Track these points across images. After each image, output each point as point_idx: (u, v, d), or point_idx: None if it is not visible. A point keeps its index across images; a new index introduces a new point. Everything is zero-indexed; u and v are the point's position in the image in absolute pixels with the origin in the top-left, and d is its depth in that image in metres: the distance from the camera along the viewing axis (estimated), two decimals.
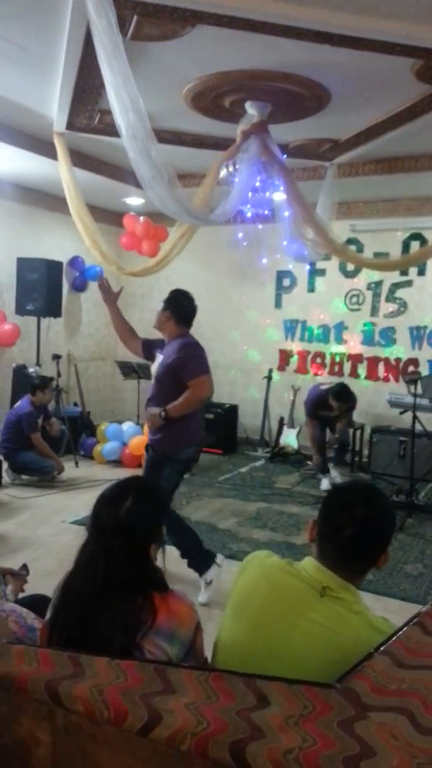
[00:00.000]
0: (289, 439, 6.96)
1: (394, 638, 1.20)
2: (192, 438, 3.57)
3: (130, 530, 1.51)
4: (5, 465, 5.58)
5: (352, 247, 6.71)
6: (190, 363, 3.39)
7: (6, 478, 5.55)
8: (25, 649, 1.13)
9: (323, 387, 6.03)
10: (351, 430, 6.39)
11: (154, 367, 3.59)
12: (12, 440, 5.56)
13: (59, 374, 6.68)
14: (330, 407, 5.83)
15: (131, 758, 0.93)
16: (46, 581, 3.48)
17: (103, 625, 1.40)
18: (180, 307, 3.53)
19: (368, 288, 6.93)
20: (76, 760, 0.98)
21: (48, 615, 1.54)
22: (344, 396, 5.80)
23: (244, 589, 1.56)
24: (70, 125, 4.58)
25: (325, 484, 5.91)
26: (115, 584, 1.46)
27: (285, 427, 7.07)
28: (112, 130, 3.88)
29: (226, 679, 1.03)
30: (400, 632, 1.23)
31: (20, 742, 1.02)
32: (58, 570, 3.69)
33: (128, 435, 6.45)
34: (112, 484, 1.65)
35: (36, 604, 2.00)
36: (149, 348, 3.74)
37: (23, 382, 6.30)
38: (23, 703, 1.02)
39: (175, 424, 3.39)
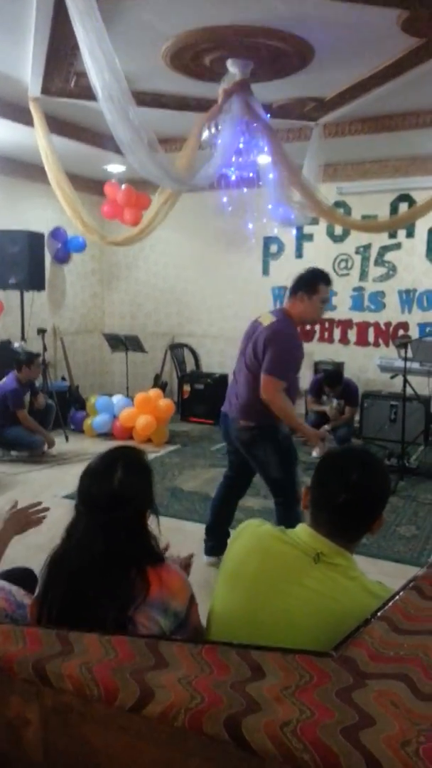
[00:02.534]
0: None
1: (390, 603, 1.17)
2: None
3: (128, 501, 1.48)
4: None
5: (340, 210, 6.61)
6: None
7: None
8: (11, 628, 1.09)
9: (318, 376, 6.13)
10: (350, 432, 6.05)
11: None
12: None
13: (45, 348, 6.58)
14: (325, 389, 5.89)
15: (124, 736, 0.90)
16: (38, 555, 3.46)
17: (96, 600, 1.37)
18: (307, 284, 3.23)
19: (357, 252, 6.84)
20: (66, 739, 0.95)
21: (37, 591, 1.51)
22: (333, 379, 5.86)
23: (238, 558, 1.53)
24: (46, 90, 4.41)
25: (316, 451, 5.90)
26: (112, 559, 1.42)
27: None
28: (89, 94, 3.73)
29: (220, 651, 1.01)
30: (397, 597, 1.21)
31: (9, 724, 0.99)
32: (49, 545, 3.67)
33: (118, 407, 6.40)
34: (96, 458, 1.60)
35: (19, 577, 1.96)
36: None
37: (8, 357, 6.20)
38: (11, 684, 0.99)
39: None
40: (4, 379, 5.65)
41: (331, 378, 5.93)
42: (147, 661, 0.97)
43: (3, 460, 5.51)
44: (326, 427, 5.78)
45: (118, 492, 1.48)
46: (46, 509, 2.06)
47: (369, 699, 0.88)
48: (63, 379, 7.27)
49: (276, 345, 3.10)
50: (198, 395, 7.16)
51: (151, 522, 1.61)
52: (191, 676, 0.93)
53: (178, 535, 3.63)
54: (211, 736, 0.84)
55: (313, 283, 3.20)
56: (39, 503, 2.13)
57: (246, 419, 3.22)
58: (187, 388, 7.29)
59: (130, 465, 1.56)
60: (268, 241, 7.24)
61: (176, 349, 7.83)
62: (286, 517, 3.10)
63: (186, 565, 1.90)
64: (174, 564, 1.59)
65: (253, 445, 3.26)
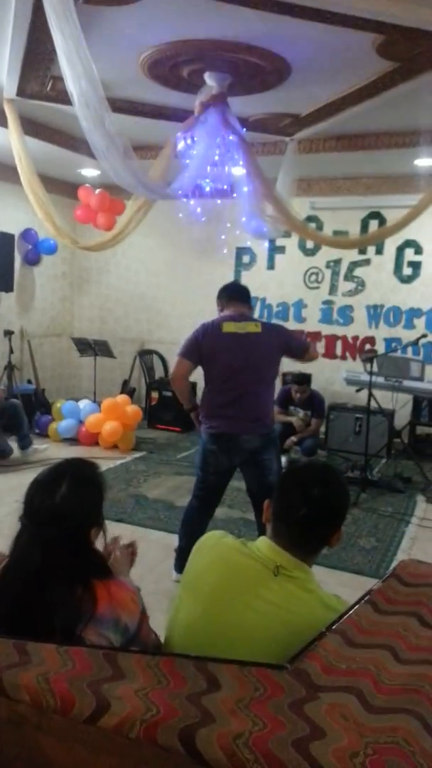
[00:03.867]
0: None
1: (345, 617, 1.20)
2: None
3: (67, 518, 1.44)
4: None
5: (312, 225, 6.71)
6: None
7: None
8: None
9: (286, 387, 6.18)
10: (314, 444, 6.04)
11: None
12: None
13: (12, 351, 6.52)
14: (293, 400, 5.92)
15: (79, 747, 0.91)
16: None
17: (41, 617, 1.34)
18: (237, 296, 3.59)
19: (327, 266, 6.95)
20: (21, 750, 0.95)
21: None
22: (301, 378, 5.93)
23: (199, 570, 1.55)
24: (21, 91, 4.39)
25: (282, 461, 5.96)
26: (53, 574, 1.39)
27: None
28: (64, 98, 3.73)
29: (177, 663, 1.02)
30: (351, 611, 1.24)
31: None
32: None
33: (85, 413, 6.36)
34: (45, 469, 1.56)
35: None
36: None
37: None
38: None
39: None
40: None
41: (299, 378, 5.94)
42: (104, 673, 0.97)
43: None
44: (293, 438, 5.84)
45: (59, 508, 1.45)
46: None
47: (320, 711, 0.90)
48: (29, 382, 7.20)
49: (291, 332, 3.68)
50: (166, 402, 7.16)
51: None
52: (148, 688, 0.94)
53: (143, 543, 3.57)
54: (165, 747, 0.85)
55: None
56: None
57: (268, 426, 3.35)
58: (155, 394, 7.28)
59: (77, 480, 1.52)
60: (240, 251, 7.30)
61: (145, 355, 7.82)
62: None
63: (131, 552, 1.88)
64: (125, 578, 1.58)
65: (265, 450, 3.33)
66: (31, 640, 1.06)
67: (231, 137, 4.21)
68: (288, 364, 7.00)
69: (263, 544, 1.50)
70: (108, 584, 1.43)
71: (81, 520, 1.48)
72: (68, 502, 1.46)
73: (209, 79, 3.99)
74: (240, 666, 1.02)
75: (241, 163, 4.45)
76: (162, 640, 1.58)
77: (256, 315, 7.35)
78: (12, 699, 0.95)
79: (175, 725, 0.87)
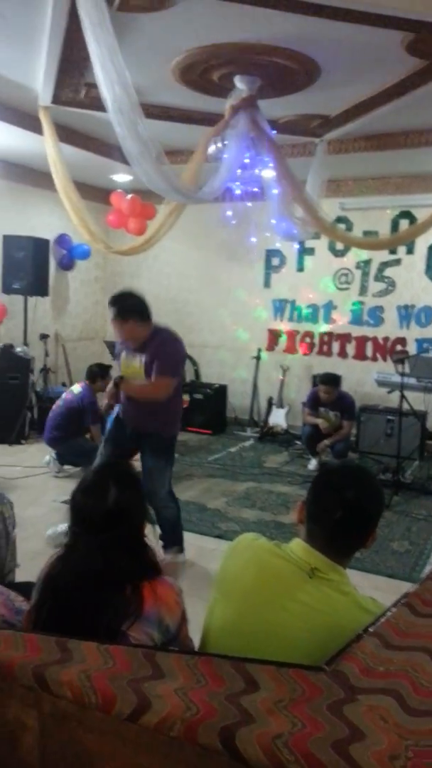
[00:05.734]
0: (278, 419, 6.98)
1: (382, 619, 1.20)
2: (177, 422, 3.68)
3: (123, 519, 1.47)
4: (52, 454, 5.36)
5: (342, 226, 6.67)
6: (164, 360, 3.38)
7: (53, 467, 5.34)
8: (12, 634, 1.12)
9: (316, 388, 6.08)
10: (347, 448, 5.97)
11: (136, 365, 3.47)
12: (63, 428, 5.25)
13: (47, 354, 6.63)
14: (321, 401, 5.85)
15: (120, 744, 0.92)
16: (35, 561, 3.48)
17: (90, 616, 1.37)
18: (140, 311, 3.43)
19: (357, 267, 6.90)
20: (64, 746, 0.97)
21: (33, 600, 1.52)
22: (325, 377, 5.85)
23: (233, 573, 1.55)
24: (56, 99, 4.47)
25: (313, 464, 5.94)
26: (111, 577, 1.41)
27: (274, 407, 7.08)
28: (98, 104, 3.78)
29: (215, 663, 1.03)
30: (389, 613, 1.23)
31: (8, 729, 1.01)
32: (47, 550, 3.70)
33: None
34: (87, 476, 1.59)
35: (23, 590, 1.97)
36: (113, 350, 3.79)
37: (10, 361, 6.25)
38: (10, 688, 1.02)
39: (171, 409, 3.51)
40: (79, 391, 5.39)
41: (326, 378, 5.84)
42: (144, 671, 0.99)
43: (1, 465, 5.52)
44: (326, 441, 5.79)
45: (114, 510, 1.47)
46: None
47: (359, 713, 0.90)
48: (63, 384, 7.30)
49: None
50: (197, 405, 7.19)
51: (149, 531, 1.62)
52: (187, 687, 0.96)
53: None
54: (205, 746, 0.86)
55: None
56: None
57: None
58: (186, 397, 7.31)
59: (123, 481, 1.55)
60: (270, 253, 7.30)
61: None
62: None
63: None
64: (169, 578, 1.60)
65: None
66: (74, 638, 1.08)
67: (261, 140, 4.22)
68: (318, 366, 7.00)
69: (298, 546, 1.50)
70: (154, 584, 1.45)
71: (135, 518, 1.52)
72: (120, 504, 1.49)
73: (239, 82, 4.00)
74: (277, 667, 1.02)
75: (271, 165, 4.46)
76: (197, 641, 1.59)
77: (286, 318, 7.36)
78: (55, 695, 0.97)
79: (215, 725, 0.88)
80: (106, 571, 1.42)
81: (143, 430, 3.50)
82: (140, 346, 3.44)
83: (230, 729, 0.87)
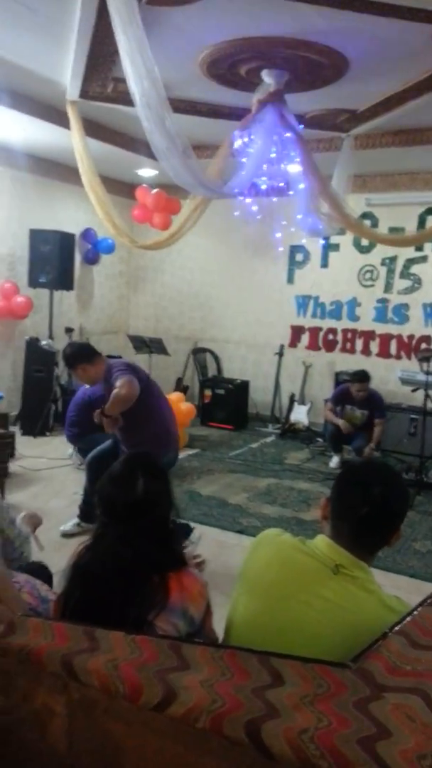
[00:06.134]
0: (300, 415, 6.95)
1: (408, 618, 1.19)
2: (169, 443, 3.71)
3: (152, 508, 1.50)
4: (71, 449, 5.40)
5: (367, 222, 6.61)
6: (114, 371, 3.55)
7: (75, 460, 5.40)
8: (41, 622, 1.13)
9: (343, 385, 5.99)
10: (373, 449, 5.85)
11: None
12: (77, 424, 5.20)
13: None
14: (351, 398, 5.78)
15: (147, 733, 0.93)
16: (59, 551, 3.53)
17: (118, 605, 1.39)
18: (82, 355, 3.66)
19: (382, 264, 6.84)
20: (91, 733, 0.99)
21: (61, 589, 1.54)
22: (360, 374, 5.74)
23: (257, 567, 1.56)
24: (84, 93, 4.49)
25: (334, 461, 5.91)
26: (139, 566, 1.44)
27: (296, 404, 7.06)
28: (126, 99, 3.80)
29: (240, 656, 1.03)
30: (415, 612, 1.22)
31: (36, 714, 1.03)
32: (70, 542, 3.75)
33: None
34: (114, 466, 1.62)
35: (36, 571, 2.00)
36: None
37: (36, 354, 6.31)
38: (39, 675, 1.03)
39: (143, 432, 3.54)
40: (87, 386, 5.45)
41: (360, 375, 5.71)
42: (170, 662, 1.00)
43: (26, 456, 5.58)
44: (371, 445, 5.68)
45: (142, 499, 1.50)
46: None
47: (385, 711, 0.90)
48: None
49: None
50: (219, 400, 7.20)
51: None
52: (212, 680, 0.96)
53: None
54: (231, 738, 0.87)
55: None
56: None
57: None
58: (208, 392, 7.33)
59: (150, 472, 1.57)
60: (294, 249, 7.26)
61: (199, 353, 7.88)
62: None
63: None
64: (194, 569, 1.62)
65: None
66: (101, 627, 1.09)
67: (288, 134, 4.19)
68: (341, 363, 6.96)
69: (322, 542, 1.50)
70: (180, 575, 1.47)
71: (162, 508, 1.55)
72: (149, 494, 1.52)
73: (267, 76, 3.98)
74: (303, 662, 1.02)
75: (297, 160, 4.43)
76: (220, 634, 1.60)
77: (309, 314, 7.32)
78: (82, 683, 0.98)
79: (240, 717, 0.88)
80: (134, 560, 1.44)
81: None
82: (104, 383, 3.61)
83: (256, 722, 0.87)
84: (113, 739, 0.96)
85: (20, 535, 2.03)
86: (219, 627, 1.61)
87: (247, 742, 0.86)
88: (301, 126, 4.49)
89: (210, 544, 3.86)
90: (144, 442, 3.42)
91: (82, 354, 3.67)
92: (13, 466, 5.14)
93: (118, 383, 3.41)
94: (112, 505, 1.52)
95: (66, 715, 0.99)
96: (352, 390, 5.73)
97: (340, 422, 5.76)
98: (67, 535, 3.86)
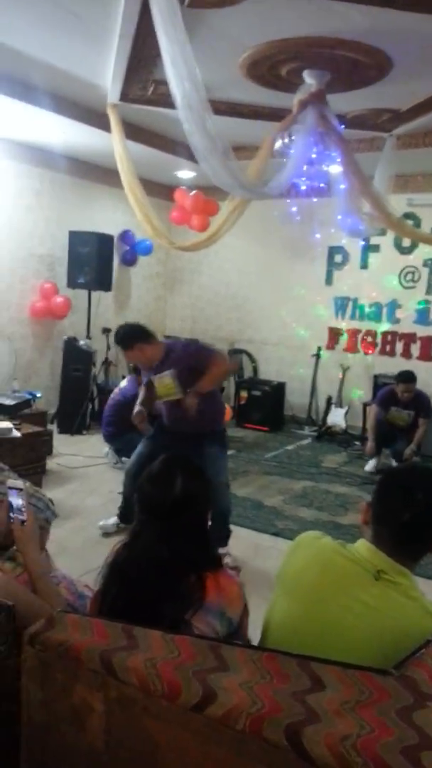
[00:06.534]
0: (337, 418, 6.88)
1: None
2: (223, 414, 3.89)
3: (190, 506, 1.50)
4: (107, 447, 5.46)
5: (409, 222, 6.49)
6: (197, 352, 3.58)
7: (111, 459, 5.45)
8: (79, 618, 1.14)
9: (388, 387, 5.87)
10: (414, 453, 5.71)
11: (167, 381, 3.52)
12: (114, 424, 5.28)
13: (109, 348, 6.75)
14: (397, 400, 5.67)
15: (185, 733, 0.93)
16: (96, 549, 3.56)
17: (155, 603, 1.40)
18: (141, 334, 3.60)
19: (424, 265, 6.71)
20: (129, 731, 0.98)
21: (98, 586, 1.55)
22: (405, 375, 5.62)
23: (296, 569, 1.54)
24: (124, 96, 4.53)
25: (371, 465, 5.82)
26: (176, 564, 1.45)
27: (333, 407, 6.98)
28: (166, 101, 3.82)
29: (280, 660, 1.02)
30: None
31: (74, 710, 1.03)
32: (105, 540, 3.78)
33: None
34: (154, 465, 1.64)
35: None
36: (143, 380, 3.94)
37: (74, 353, 6.40)
38: (77, 671, 1.04)
39: (214, 406, 3.63)
40: (125, 384, 5.44)
41: (407, 376, 5.59)
42: (209, 663, 0.99)
43: (63, 454, 5.66)
44: (412, 447, 5.59)
45: (180, 498, 1.51)
46: None
47: (430, 720, 0.88)
48: (123, 377, 7.42)
49: None
50: (255, 402, 7.18)
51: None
52: (252, 682, 0.95)
53: (231, 540, 3.65)
54: (270, 741, 0.86)
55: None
56: None
57: None
58: (244, 394, 7.31)
59: (189, 472, 1.58)
60: (333, 250, 7.19)
61: (235, 354, 7.86)
62: None
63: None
64: (231, 571, 1.61)
65: None
66: (138, 625, 1.09)
67: (329, 135, 4.15)
68: (381, 365, 6.85)
69: (363, 547, 1.47)
70: (218, 576, 1.46)
71: (200, 507, 1.55)
72: (187, 493, 1.52)
73: (308, 77, 3.95)
74: (343, 668, 1.01)
75: (338, 160, 4.38)
76: (254, 636, 1.59)
77: (347, 316, 7.24)
78: (121, 681, 0.98)
79: (280, 721, 0.87)
80: (171, 558, 1.45)
81: (201, 431, 3.54)
82: (160, 365, 3.53)
83: (296, 727, 0.86)
84: (151, 738, 0.96)
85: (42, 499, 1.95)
86: (254, 629, 1.59)
87: (287, 746, 0.84)
88: (343, 126, 4.45)
89: (245, 546, 3.85)
90: (215, 418, 3.63)
91: (140, 333, 3.60)
92: (51, 464, 5.21)
93: (210, 361, 3.45)
94: (150, 503, 1.54)
95: (104, 711, 1.00)
96: (397, 391, 5.63)
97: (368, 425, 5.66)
98: (106, 534, 3.89)
